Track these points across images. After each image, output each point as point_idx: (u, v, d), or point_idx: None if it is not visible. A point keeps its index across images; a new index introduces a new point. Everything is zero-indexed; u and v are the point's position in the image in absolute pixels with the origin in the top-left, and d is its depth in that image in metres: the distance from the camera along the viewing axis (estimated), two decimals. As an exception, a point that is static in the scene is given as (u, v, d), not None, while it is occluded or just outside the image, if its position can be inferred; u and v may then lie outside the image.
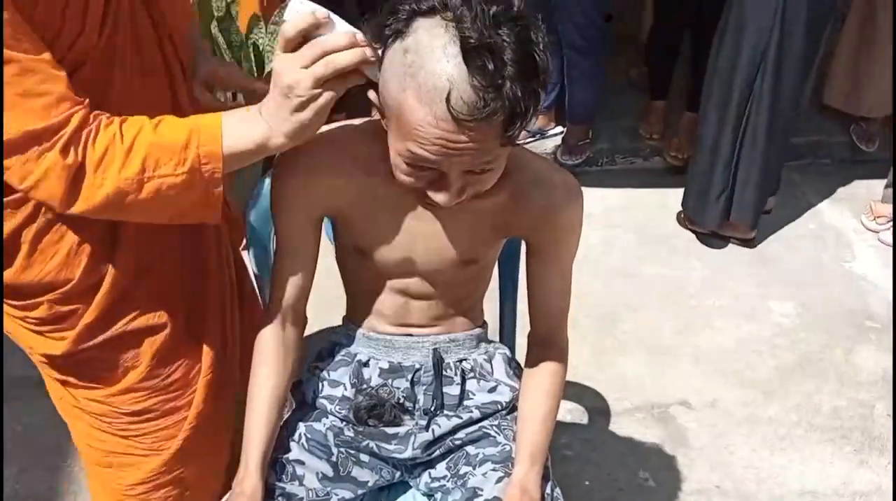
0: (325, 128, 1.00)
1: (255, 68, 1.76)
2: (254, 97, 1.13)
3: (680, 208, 2.80)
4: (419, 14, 0.87)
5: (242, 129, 0.93)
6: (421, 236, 1.10)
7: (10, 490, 1.87)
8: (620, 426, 2.08)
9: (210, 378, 1.20)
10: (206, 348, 1.20)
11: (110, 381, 1.16)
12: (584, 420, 2.09)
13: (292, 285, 1.15)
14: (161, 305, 1.15)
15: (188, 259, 1.17)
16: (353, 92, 0.94)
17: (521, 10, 0.86)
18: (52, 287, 1.07)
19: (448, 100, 0.84)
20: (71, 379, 1.16)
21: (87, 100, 0.90)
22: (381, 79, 0.91)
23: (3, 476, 1.87)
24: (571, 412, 2.09)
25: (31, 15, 0.86)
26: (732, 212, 2.61)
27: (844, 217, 2.90)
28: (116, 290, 1.09)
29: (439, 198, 0.97)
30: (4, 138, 0.87)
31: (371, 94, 0.94)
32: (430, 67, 0.85)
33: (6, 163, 0.89)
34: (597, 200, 2.89)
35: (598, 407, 2.12)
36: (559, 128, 3.16)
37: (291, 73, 0.89)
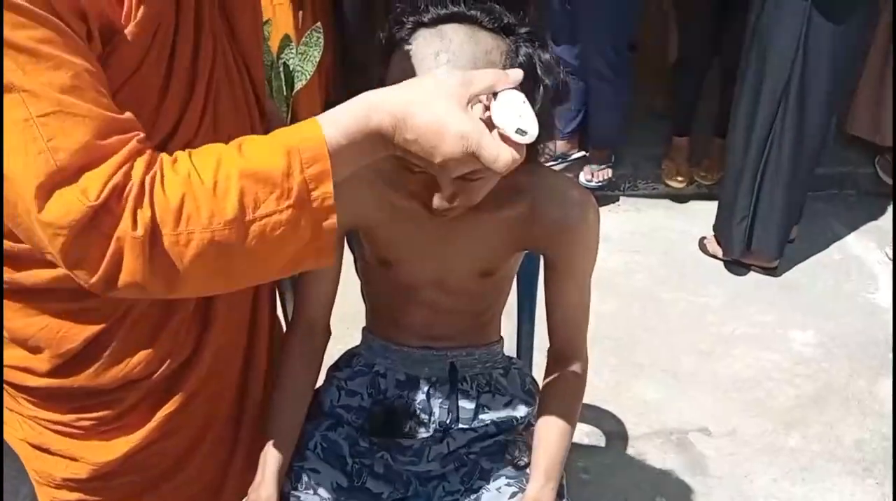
0: None
1: (285, 87, 1.81)
2: None
3: (701, 234, 2.80)
4: (422, 26, 0.93)
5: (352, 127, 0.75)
6: (440, 247, 1.12)
7: None
8: (638, 451, 2.06)
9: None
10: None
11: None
12: (602, 443, 2.07)
13: (316, 298, 1.17)
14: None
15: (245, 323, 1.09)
16: None
17: (515, 22, 0.92)
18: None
19: None
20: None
21: (140, 134, 0.72)
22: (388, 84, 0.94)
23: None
24: (589, 435, 2.08)
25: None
26: (754, 241, 2.61)
27: (869, 248, 2.87)
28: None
29: (433, 202, 0.97)
30: (67, 233, 0.67)
31: None
32: (421, 71, 0.90)
33: (75, 256, 0.68)
34: (618, 225, 2.89)
35: (615, 431, 2.10)
36: (581, 153, 3.18)
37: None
